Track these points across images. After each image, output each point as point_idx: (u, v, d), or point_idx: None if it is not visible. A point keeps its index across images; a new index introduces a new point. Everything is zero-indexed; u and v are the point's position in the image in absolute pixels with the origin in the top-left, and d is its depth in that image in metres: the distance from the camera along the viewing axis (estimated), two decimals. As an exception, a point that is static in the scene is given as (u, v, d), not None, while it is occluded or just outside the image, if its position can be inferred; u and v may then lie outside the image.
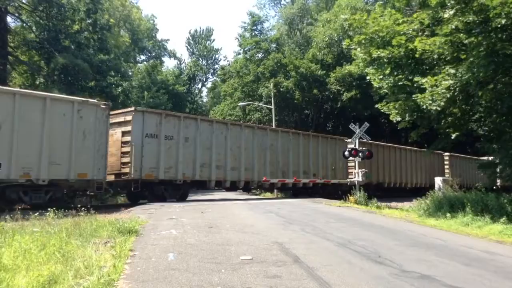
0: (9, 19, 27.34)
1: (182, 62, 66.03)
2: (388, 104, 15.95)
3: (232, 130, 19.39)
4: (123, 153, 15.84)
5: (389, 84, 15.11)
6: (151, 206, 14.40)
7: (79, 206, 10.44)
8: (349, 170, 24.70)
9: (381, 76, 15.21)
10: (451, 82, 12.44)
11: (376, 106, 17.06)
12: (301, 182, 22.10)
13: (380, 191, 25.66)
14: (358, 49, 15.50)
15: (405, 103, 15.09)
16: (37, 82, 29.42)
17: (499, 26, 11.33)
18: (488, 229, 10.83)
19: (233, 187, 20.72)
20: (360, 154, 19.50)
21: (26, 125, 12.65)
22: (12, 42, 27.72)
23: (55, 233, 7.19)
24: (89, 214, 9.61)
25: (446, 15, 12.38)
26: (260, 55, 41.56)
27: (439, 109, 13.23)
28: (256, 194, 29.26)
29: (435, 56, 13.30)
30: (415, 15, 14.39)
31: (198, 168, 17.68)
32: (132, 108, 16.52)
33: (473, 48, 11.93)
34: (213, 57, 66.66)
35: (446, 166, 33.76)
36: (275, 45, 42.65)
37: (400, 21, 14.58)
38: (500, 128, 14.86)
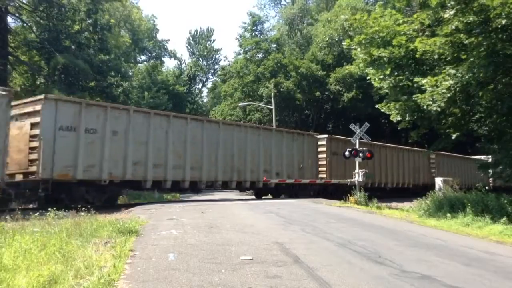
0: (9, 19, 27.44)
1: (182, 62, 66.21)
2: (389, 104, 15.95)
3: (175, 123, 17.20)
4: (31, 148, 13.67)
5: (390, 85, 15.12)
6: (151, 206, 14.42)
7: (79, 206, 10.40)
8: (320, 169, 23.37)
9: (381, 76, 15.22)
10: (451, 82, 12.44)
11: (377, 106, 17.06)
12: (261, 182, 20.15)
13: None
14: (359, 49, 15.50)
15: (406, 103, 15.10)
16: (38, 82, 29.49)
17: (499, 26, 11.34)
18: (488, 229, 10.83)
19: (175, 188, 18.58)
20: (360, 154, 19.48)
21: None
22: (12, 42, 27.75)
23: (55, 233, 7.19)
24: (90, 214, 9.61)
25: (446, 16, 12.38)
26: (260, 55, 41.65)
27: (439, 109, 13.23)
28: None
29: (436, 57, 13.29)
30: (415, 16, 14.39)
31: (131, 166, 15.45)
32: (42, 96, 14.15)
33: (474, 48, 11.94)
34: (214, 57, 66.77)
35: (433, 165, 32.08)
36: (275, 45, 42.72)
37: (401, 21, 14.59)
38: (501, 128, 14.86)
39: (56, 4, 27.16)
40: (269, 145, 20.99)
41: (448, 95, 12.62)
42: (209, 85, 66.53)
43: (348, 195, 18.43)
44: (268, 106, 36.36)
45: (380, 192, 25.23)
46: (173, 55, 63.39)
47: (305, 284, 5.06)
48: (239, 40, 46.46)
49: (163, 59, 60.81)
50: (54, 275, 4.88)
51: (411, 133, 18.47)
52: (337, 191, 21.99)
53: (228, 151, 19.13)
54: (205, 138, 18.19)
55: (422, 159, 30.79)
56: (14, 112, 13.62)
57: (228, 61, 57.24)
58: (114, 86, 30.98)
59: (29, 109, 13.99)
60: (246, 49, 42.92)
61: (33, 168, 13.49)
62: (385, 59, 14.59)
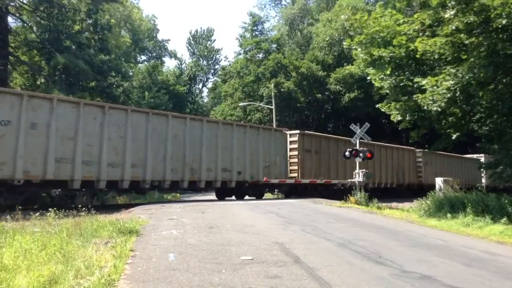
0: (10, 19, 27.37)
1: (182, 62, 66.30)
2: (389, 105, 15.96)
3: (111, 115, 14.97)
4: None
5: (390, 85, 15.14)
6: (151, 206, 14.42)
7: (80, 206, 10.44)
8: (291, 168, 21.90)
9: (382, 76, 15.24)
10: (451, 82, 12.45)
11: (377, 106, 17.07)
12: (219, 181, 18.32)
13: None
14: (359, 49, 15.52)
15: (406, 104, 15.11)
16: (38, 83, 29.50)
17: (499, 26, 11.35)
18: (488, 229, 10.83)
19: (111, 187, 16.05)
20: (360, 154, 19.46)
21: None
22: (13, 42, 27.73)
23: (55, 233, 7.19)
24: (90, 214, 9.61)
25: (446, 16, 12.39)
26: (260, 55, 41.69)
27: (439, 109, 13.25)
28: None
29: (436, 57, 13.31)
30: (415, 16, 14.40)
31: (53, 164, 13.27)
32: None
33: (474, 48, 11.95)
34: (214, 57, 66.84)
35: (419, 164, 30.81)
36: (275, 45, 42.75)
37: (401, 21, 14.61)
38: (501, 128, 14.87)
39: (56, 4, 27.14)
40: (229, 141, 18.86)
41: (449, 95, 12.63)
42: (210, 85, 66.68)
43: (349, 195, 18.41)
44: (269, 106, 36.37)
45: (380, 192, 25.23)
46: (173, 55, 63.56)
47: (306, 284, 5.06)
48: (239, 40, 46.59)
49: (163, 59, 61.00)
50: (54, 275, 4.89)
51: (412, 133, 18.48)
52: (305, 190, 21.57)
53: (178, 147, 16.94)
54: (150, 133, 15.98)
55: (408, 156, 30.10)
56: None
57: (228, 61, 57.42)
58: (114, 86, 30.98)
59: None
60: (246, 49, 42.98)
61: None
62: (385, 59, 14.61)
